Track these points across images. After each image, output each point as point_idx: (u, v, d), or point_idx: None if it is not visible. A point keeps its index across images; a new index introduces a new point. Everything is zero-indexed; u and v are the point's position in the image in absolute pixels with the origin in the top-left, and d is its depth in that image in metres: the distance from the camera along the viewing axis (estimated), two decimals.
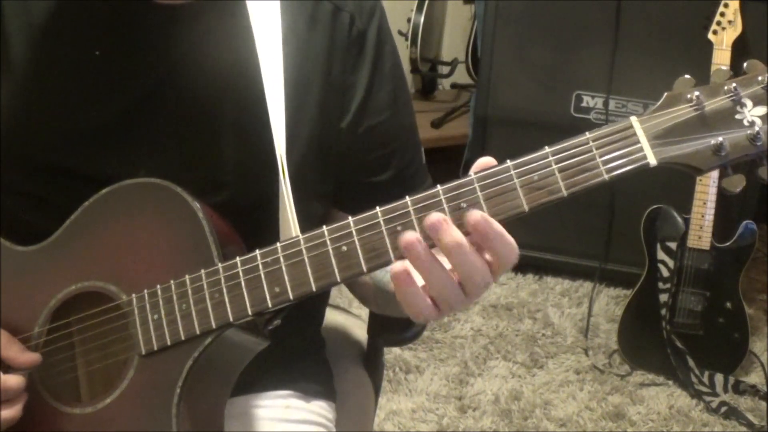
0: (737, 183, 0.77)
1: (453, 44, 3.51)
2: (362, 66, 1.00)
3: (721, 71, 0.79)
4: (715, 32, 2.24)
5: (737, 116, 0.76)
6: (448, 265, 0.78)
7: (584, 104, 2.61)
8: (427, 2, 3.22)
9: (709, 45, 2.24)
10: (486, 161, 0.80)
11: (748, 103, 0.76)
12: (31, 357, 0.91)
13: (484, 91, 2.71)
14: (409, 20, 3.24)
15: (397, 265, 0.77)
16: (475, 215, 0.76)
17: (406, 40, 3.23)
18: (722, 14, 2.23)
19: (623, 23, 2.51)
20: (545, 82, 2.64)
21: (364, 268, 0.80)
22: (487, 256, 0.78)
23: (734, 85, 0.77)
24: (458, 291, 0.78)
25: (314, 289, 0.81)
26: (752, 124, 0.76)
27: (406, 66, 3.26)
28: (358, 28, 0.99)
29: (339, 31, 0.99)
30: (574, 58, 2.60)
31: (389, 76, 1.03)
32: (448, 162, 3.11)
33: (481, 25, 2.69)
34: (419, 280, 0.78)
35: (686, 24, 2.42)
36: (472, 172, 0.79)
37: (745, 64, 0.78)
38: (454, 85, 3.57)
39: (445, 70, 3.44)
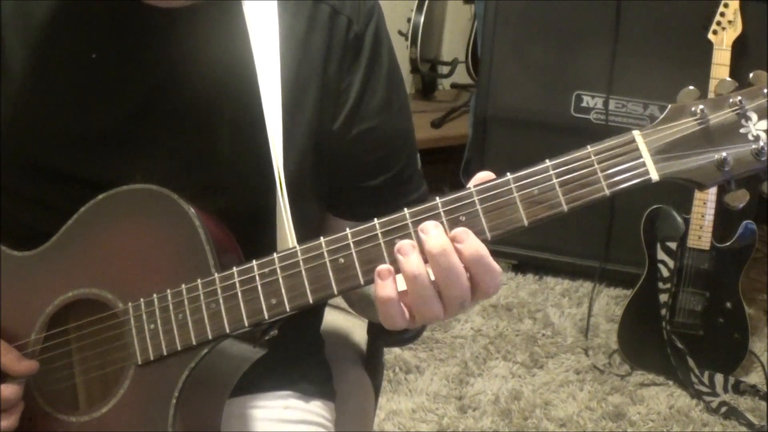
0: (740, 198, 0.76)
1: (453, 44, 3.51)
2: (357, 69, 1.00)
3: (726, 82, 0.77)
4: (715, 32, 2.23)
5: (742, 130, 0.75)
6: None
7: (584, 104, 2.60)
8: (427, 2, 3.21)
9: (709, 45, 2.23)
10: (485, 175, 0.79)
11: (753, 116, 0.75)
12: (29, 365, 0.90)
13: (484, 91, 2.70)
14: (409, 20, 3.24)
15: (384, 265, 0.77)
16: (458, 228, 0.77)
17: (406, 40, 3.22)
18: (722, 14, 2.23)
19: (623, 23, 2.51)
20: (545, 82, 2.63)
21: (362, 281, 0.79)
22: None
23: (739, 98, 0.76)
24: (437, 302, 0.78)
25: (311, 301, 0.81)
26: (757, 138, 0.75)
27: (406, 66, 3.29)
28: (355, 31, 0.99)
29: (336, 33, 0.98)
30: (574, 58, 2.59)
31: (384, 81, 1.02)
32: (448, 162, 3.11)
33: (481, 25, 2.69)
34: (401, 285, 0.78)
35: (686, 24, 2.41)
36: (471, 185, 0.79)
37: (750, 75, 0.77)
38: (454, 85, 3.57)
39: (445, 70, 3.44)
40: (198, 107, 0.96)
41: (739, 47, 2.22)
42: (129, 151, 0.96)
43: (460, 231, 0.77)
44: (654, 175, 0.76)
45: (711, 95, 0.78)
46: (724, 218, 2.32)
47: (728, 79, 0.78)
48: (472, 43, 3.31)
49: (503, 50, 2.65)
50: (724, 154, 0.75)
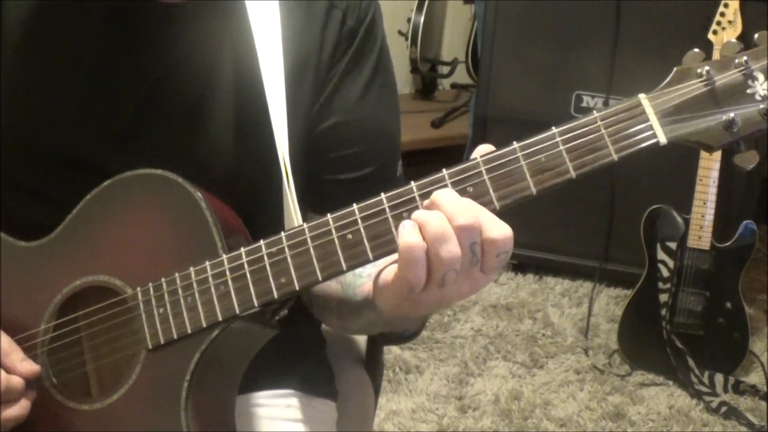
0: (751, 159, 0.76)
1: (453, 44, 3.52)
2: (342, 62, 0.99)
3: (731, 44, 0.77)
4: (715, 32, 2.24)
5: (749, 90, 0.75)
6: None
7: (584, 104, 2.61)
8: (427, 2, 3.22)
9: (709, 45, 2.24)
10: (486, 147, 0.79)
11: (760, 76, 0.75)
12: (30, 367, 0.90)
13: (484, 91, 2.71)
14: (409, 20, 3.24)
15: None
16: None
17: (406, 40, 3.23)
18: (722, 14, 2.23)
19: (623, 23, 2.51)
20: (545, 82, 2.64)
21: (371, 256, 0.79)
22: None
23: (745, 58, 0.75)
24: (453, 240, 0.73)
25: (320, 278, 0.81)
26: (765, 98, 0.75)
27: (406, 66, 3.29)
28: (348, 26, 0.99)
29: (330, 25, 0.98)
30: (574, 58, 2.60)
31: (367, 78, 1.01)
32: (448, 162, 3.11)
33: (481, 25, 2.69)
34: None
35: (686, 24, 2.42)
36: (475, 155, 0.78)
37: (756, 35, 0.77)
38: (454, 85, 3.58)
39: (445, 70, 3.45)
40: (200, 103, 0.96)
41: None
42: (131, 145, 0.96)
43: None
44: (662, 138, 0.75)
45: None
46: (724, 218, 2.32)
47: (733, 40, 0.78)
48: (472, 43, 3.31)
49: (503, 50, 2.65)
50: (731, 114, 0.75)
